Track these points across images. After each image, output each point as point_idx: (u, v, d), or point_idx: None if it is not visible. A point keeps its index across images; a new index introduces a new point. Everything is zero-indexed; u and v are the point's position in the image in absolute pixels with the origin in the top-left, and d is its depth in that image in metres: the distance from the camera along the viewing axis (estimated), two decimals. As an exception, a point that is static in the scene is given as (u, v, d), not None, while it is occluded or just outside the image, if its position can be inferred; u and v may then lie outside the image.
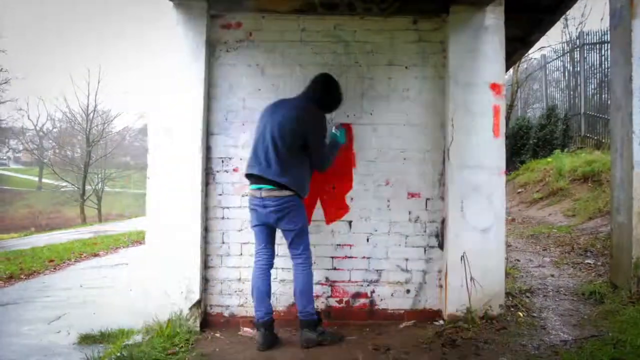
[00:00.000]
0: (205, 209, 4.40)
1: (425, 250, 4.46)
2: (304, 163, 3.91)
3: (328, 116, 4.18)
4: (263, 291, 3.93)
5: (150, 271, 4.26)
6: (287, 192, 3.79)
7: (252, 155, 3.93)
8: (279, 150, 3.80)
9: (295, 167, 3.84)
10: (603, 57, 12.26)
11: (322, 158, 3.97)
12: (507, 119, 14.15)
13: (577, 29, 16.68)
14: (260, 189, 3.83)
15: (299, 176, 3.86)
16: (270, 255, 4.01)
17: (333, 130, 4.20)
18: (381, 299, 4.45)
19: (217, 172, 4.45)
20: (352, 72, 4.49)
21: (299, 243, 3.90)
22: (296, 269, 3.92)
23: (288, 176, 3.78)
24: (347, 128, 4.39)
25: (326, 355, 3.72)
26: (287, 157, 3.80)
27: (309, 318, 3.87)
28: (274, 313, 4.05)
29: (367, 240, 4.46)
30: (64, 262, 8.94)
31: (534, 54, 16.85)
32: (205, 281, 4.40)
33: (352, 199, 4.47)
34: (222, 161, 4.46)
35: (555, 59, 15.73)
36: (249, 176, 3.95)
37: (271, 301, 4.00)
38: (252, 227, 4.03)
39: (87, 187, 32.70)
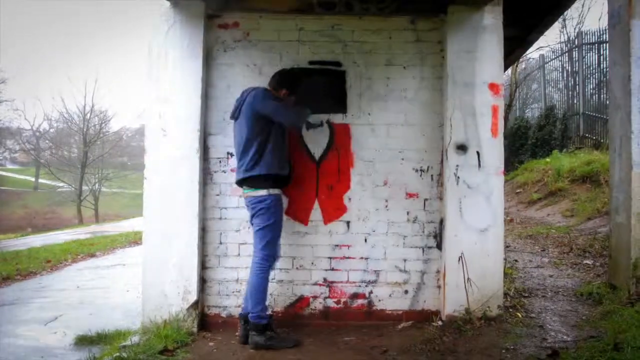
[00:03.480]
0: (203, 209, 4.38)
1: (423, 251, 4.45)
2: (268, 141, 3.97)
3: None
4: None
5: (148, 272, 4.25)
6: (261, 192, 3.96)
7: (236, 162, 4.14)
8: (243, 145, 3.96)
9: (260, 152, 3.94)
10: (601, 57, 12.26)
11: (283, 115, 4.00)
12: (506, 119, 14.14)
13: (575, 28, 16.75)
14: (242, 189, 4.09)
15: (267, 159, 3.95)
16: None
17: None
18: (379, 300, 4.44)
19: (215, 172, 4.44)
20: (350, 72, 4.47)
21: (260, 239, 3.98)
22: (251, 266, 4.01)
23: (258, 167, 3.93)
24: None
25: (325, 356, 3.71)
26: (251, 148, 3.93)
27: (256, 321, 3.87)
28: (272, 313, 4.04)
29: (365, 240, 4.44)
30: (60, 263, 8.91)
31: (533, 53, 16.91)
32: (202, 282, 4.38)
33: (350, 199, 4.46)
34: (220, 161, 4.44)
35: (554, 59, 15.74)
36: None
37: (268, 302, 3.99)
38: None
39: (84, 188, 32.67)
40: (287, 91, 4.13)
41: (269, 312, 4.08)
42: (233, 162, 4.39)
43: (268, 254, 3.99)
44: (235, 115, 4.06)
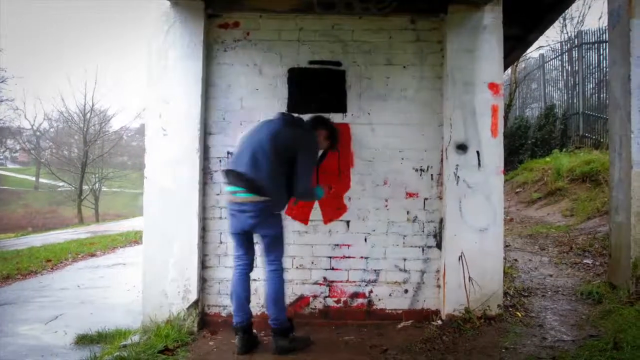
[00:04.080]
0: (203, 208, 4.39)
1: (423, 250, 4.45)
2: (286, 180, 3.79)
3: None
4: (242, 297, 3.86)
5: (148, 271, 4.25)
6: (264, 198, 3.69)
7: (236, 159, 3.85)
8: (266, 158, 3.71)
9: (277, 178, 3.74)
10: (601, 57, 12.24)
11: (305, 180, 3.81)
12: (505, 118, 14.14)
13: (575, 28, 16.72)
14: (236, 194, 3.75)
15: (279, 186, 3.76)
16: (251, 260, 3.95)
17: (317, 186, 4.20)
18: (379, 299, 4.44)
19: (215, 171, 4.44)
20: (350, 71, 4.48)
21: (273, 250, 3.83)
22: (268, 276, 3.83)
23: (269, 182, 3.69)
24: (326, 189, 4.34)
25: (325, 355, 3.71)
26: (272, 167, 3.71)
27: (282, 326, 3.80)
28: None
29: (365, 240, 4.45)
30: (61, 262, 8.91)
31: (532, 53, 16.91)
32: (203, 281, 4.38)
33: (350, 198, 4.46)
34: (220, 161, 4.44)
35: (554, 59, 15.71)
36: (228, 177, 3.84)
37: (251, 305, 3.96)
38: (230, 234, 3.96)
39: (84, 187, 32.61)
40: (326, 134, 4.08)
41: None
42: (233, 161, 4.40)
43: (282, 263, 3.88)
44: (277, 125, 3.86)
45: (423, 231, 4.46)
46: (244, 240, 3.89)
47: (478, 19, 4.31)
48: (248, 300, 3.88)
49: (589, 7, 25.55)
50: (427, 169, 4.46)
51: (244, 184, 3.70)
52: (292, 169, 3.76)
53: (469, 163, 4.30)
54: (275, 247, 3.84)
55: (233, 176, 3.77)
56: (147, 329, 4.09)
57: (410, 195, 4.46)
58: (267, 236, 3.80)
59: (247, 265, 3.92)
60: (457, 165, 4.30)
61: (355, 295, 4.46)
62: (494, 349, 3.67)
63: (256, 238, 3.93)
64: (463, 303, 4.22)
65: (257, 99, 4.42)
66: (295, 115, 4.12)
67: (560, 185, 10.34)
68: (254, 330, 4.00)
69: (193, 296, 4.22)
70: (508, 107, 15.33)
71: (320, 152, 4.15)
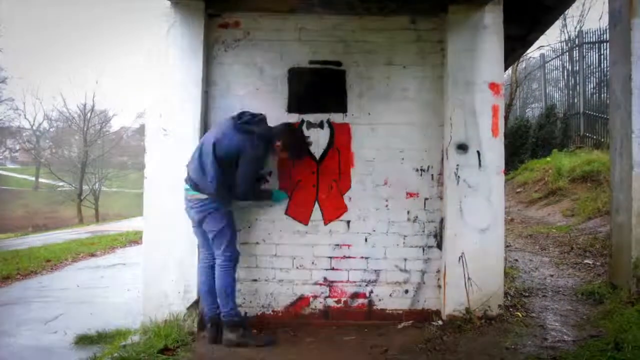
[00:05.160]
0: (203, 208, 4.37)
1: (423, 250, 4.44)
2: (228, 181, 3.96)
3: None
4: (205, 289, 4.06)
5: (148, 271, 4.25)
6: (206, 196, 3.92)
7: (190, 162, 4.05)
8: (211, 163, 3.87)
9: (222, 180, 3.91)
10: (602, 56, 12.24)
11: (244, 186, 4.00)
12: (506, 118, 14.12)
13: (576, 28, 16.69)
14: (187, 190, 4.01)
15: (224, 188, 3.93)
16: (210, 252, 4.09)
17: (276, 188, 4.39)
18: (380, 299, 4.44)
19: (215, 171, 4.43)
20: (351, 71, 4.47)
21: (220, 243, 3.98)
22: (217, 269, 4.01)
23: (213, 185, 3.89)
24: (288, 194, 4.45)
25: (325, 355, 3.71)
26: (216, 172, 3.87)
27: (228, 319, 3.94)
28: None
29: (366, 240, 4.44)
30: (61, 262, 8.90)
31: (533, 53, 16.83)
32: (203, 281, 4.37)
33: (350, 198, 4.46)
34: (220, 161, 4.43)
35: (554, 58, 15.71)
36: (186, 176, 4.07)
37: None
38: (192, 228, 4.13)
39: (85, 187, 32.65)
40: (279, 145, 4.10)
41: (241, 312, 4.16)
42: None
43: (231, 255, 4.02)
44: (224, 129, 3.98)
45: (423, 231, 4.45)
46: (200, 233, 4.09)
47: (479, 19, 4.31)
48: (212, 293, 4.03)
49: (590, 8, 25.62)
50: (428, 169, 4.45)
51: (192, 184, 3.97)
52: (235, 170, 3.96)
53: (470, 163, 4.29)
54: (219, 240, 3.99)
55: (187, 177, 4.03)
56: (147, 329, 4.08)
57: (410, 195, 4.45)
58: (212, 231, 3.99)
59: (206, 257, 4.12)
60: (457, 165, 4.29)
61: (355, 295, 4.45)
62: (494, 349, 3.66)
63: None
64: (463, 303, 4.22)
65: (258, 99, 4.41)
66: (254, 115, 4.05)
67: (561, 185, 10.34)
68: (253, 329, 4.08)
69: (193, 296, 4.21)
70: (509, 107, 15.32)
71: (272, 158, 4.29)
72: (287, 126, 4.20)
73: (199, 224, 4.02)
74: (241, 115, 4.03)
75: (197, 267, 4.15)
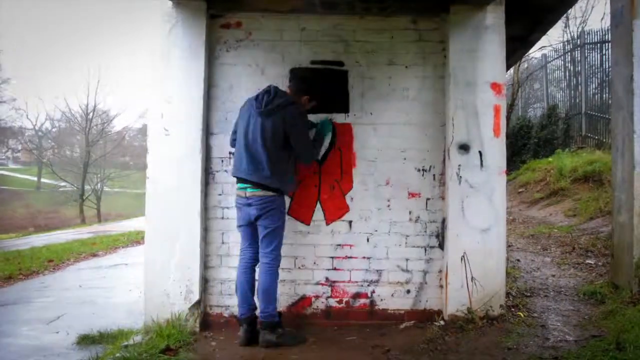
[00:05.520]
0: (205, 208, 4.39)
1: (425, 251, 4.44)
2: (289, 158, 4.00)
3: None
4: (247, 288, 4.00)
5: (150, 271, 4.25)
6: (270, 193, 3.91)
7: (237, 157, 4.03)
8: (264, 151, 3.88)
9: (279, 165, 3.93)
10: (604, 57, 12.24)
11: (306, 154, 4.08)
12: (508, 118, 14.11)
13: (578, 28, 16.67)
14: (245, 189, 3.95)
15: (283, 174, 3.96)
16: (255, 253, 4.05)
17: (319, 120, 4.36)
18: (381, 299, 4.44)
19: (217, 172, 4.44)
20: (352, 71, 4.47)
21: (270, 242, 3.96)
22: (262, 267, 3.97)
23: (273, 177, 3.89)
24: (332, 122, 4.45)
25: (327, 355, 3.71)
26: (271, 157, 3.88)
27: (268, 320, 3.89)
28: (281, 311, 4.09)
29: (368, 240, 4.44)
30: (63, 262, 8.92)
31: (535, 53, 16.82)
32: (205, 281, 4.38)
33: (352, 198, 4.46)
34: (222, 161, 4.44)
35: (556, 59, 15.69)
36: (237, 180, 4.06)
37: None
38: (238, 227, 4.12)
39: (86, 187, 32.70)
40: (307, 98, 4.15)
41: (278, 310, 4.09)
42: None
43: (277, 256, 3.99)
44: (261, 111, 3.91)
45: (425, 231, 4.45)
46: (249, 232, 4.03)
47: (480, 19, 4.31)
48: (252, 292, 4.00)
49: (592, 8, 25.59)
50: (430, 169, 4.45)
51: (250, 181, 3.92)
52: (290, 146, 3.96)
53: (472, 163, 4.29)
54: (271, 239, 3.95)
55: (239, 180, 4.01)
56: (149, 329, 4.09)
57: (412, 195, 4.45)
58: (268, 228, 3.94)
59: (250, 257, 4.05)
60: (459, 165, 4.29)
61: (357, 295, 4.46)
62: (496, 349, 3.66)
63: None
64: (465, 303, 4.22)
65: (259, 99, 4.41)
66: (267, 92, 3.98)
67: (563, 185, 10.33)
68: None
69: (195, 296, 4.22)
70: (510, 107, 15.30)
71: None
72: (298, 81, 4.22)
73: (253, 222, 3.96)
74: (258, 100, 3.96)
75: (238, 267, 4.06)
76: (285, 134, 3.90)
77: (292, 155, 4.01)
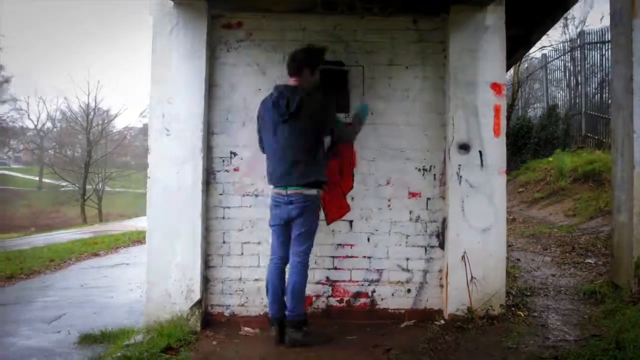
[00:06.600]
0: (206, 208, 4.39)
1: (426, 250, 4.45)
2: (323, 154, 3.97)
3: None
4: (278, 289, 3.94)
5: (151, 271, 4.26)
6: (313, 192, 3.88)
7: (272, 166, 3.95)
8: (299, 153, 3.83)
9: (315, 164, 3.89)
10: (604, 57, 12.24)
11: (336, 131, 4.08)
12: (508, 118, 14.10)
13: (577, 28, 16.69)
14: (285, 187, 3.88)
15: (319, 162, 3.92)
16: (287, 253, 4.00)
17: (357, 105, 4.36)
18: (382, 299, 4.45)
19: (218, 171, 4.45)
20: (353, 72, 4.48)
21: (304, 241, 3.92)
22: (294, 267, 3.92)
23: (311, 176, 3.85)
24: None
25: (327, 355, 3.72)
26: (307, 158, 3.85)
27: (296, 319, 3.87)
28: (307, 310, 4.08)
29: (368, 239, 4.46)
30: (64, 262, 8.93)
31: (535, 53, 16.81)
32: (206, 281, 4.39)
33: (352, 198, 4.47)
34: (223, 161, 4.45)
35: (556, 59, 15.70)
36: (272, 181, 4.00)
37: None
38: (271, 226, 4.05)
39: (88, 187, 32.71)
40: (309, 71, 3.99)
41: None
42: (236, 161, 4.42)
43: (308, 255, 3.97)
44: (286, 119, 3.82)
45: (426, 231, 4.46)
46: (283, 232, 3.99)
47: (480, 19, 4.32)
48: (283, 293, 3.94)
49: (592, 8, 25.57)
50: (430, 169, 4.46)
51: (289, 180, 3.86)
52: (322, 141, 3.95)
53: (472, 163, 4.30)
54: (305, 239, 3.92)
55: (276, 177, 3.93)
56: (150, 329, 4.09)
57: (413, 195, 4.47)
58: (304, 226, 3.90)
59: (282, 257, 4.01)
60: (459, 165, 4.30)
61: (358, 294, 4.47)
62: (496, 348, 3.67)
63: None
64: (466, 303, 4.23)
65: (260, 99, 4.41)
66: (284, 94, 3.87)
67: (563, 185, 10.34)
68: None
69: (196, 296, 4.23)
70: (510, 107, 15.30)
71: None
72: (299, 59, 4.01)
73: (288, 221, 3.91)
74: (280, 107, 3.84)
75: (269, 267, 4.00)
76: (317, 129, 3.89)
77: (324, 149, 3.97)
